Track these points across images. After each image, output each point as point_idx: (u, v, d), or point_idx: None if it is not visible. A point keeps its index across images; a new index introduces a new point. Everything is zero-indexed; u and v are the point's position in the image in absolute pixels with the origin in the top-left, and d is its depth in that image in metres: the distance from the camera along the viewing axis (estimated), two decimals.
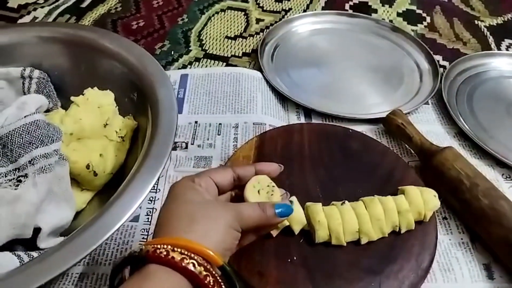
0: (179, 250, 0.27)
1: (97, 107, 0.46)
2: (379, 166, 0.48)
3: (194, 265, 0.26)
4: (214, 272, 0.27)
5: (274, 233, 0.40)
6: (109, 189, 0.46)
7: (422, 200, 0.42)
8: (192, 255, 0.27)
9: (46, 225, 0.38)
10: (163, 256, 0.26)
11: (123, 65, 0.50)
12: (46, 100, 0.47)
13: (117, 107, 0.48)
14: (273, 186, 0.37)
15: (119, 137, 0.47)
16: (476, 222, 0.45)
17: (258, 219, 0.32)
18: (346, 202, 0.41)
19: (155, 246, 0.27)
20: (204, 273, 0.27)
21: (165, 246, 0.27)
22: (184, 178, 0.34)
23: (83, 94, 0.46)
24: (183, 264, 0.26)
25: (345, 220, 0.39)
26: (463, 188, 0.45)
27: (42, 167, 0.38)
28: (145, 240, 0.44)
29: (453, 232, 0.46)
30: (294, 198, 0.41)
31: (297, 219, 0.39)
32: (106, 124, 0.46)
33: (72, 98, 0.46)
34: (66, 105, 0.50)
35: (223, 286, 0.27)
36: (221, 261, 0.28)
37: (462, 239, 0.45)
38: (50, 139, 0.39)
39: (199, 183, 0.33)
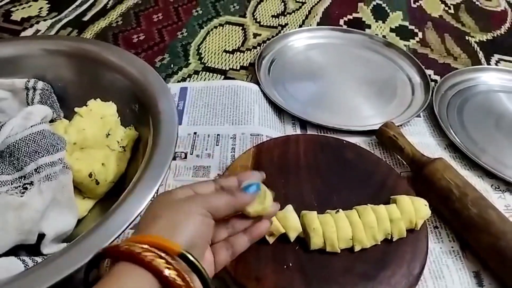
0: (141, 245, 0.26)
1: (100, 118, 0.48)
2: (372, 176, 0.49)
3: (153, 258, 0.26)
4: (176, 266, 0.26)
5: (271, 240, 0.41)
6: (110, 198, 0.48)
7: (413, 208, 0.43)
8: (153, 249, 0.26)
9: (50, 231, 0.39)
10: (122, 250, 0.26)
11: (125, 77, 0.52)
12: (51, 111, 0.48)
13: (119, 118, 0.50)
14: (264, 191, 0.36)
15: (120, 147, 0.49)
16: (465, 230, 0.46)
17: (227, 202, 0.32)
18: (340, 210, 0.42)
19: (117, 243, 0.27)
20: (164, 265, 0.26)
21: (128, 243, 0.27)
22: (164, 192, 0.33)
23: (86, 105, 0.48)
24: (141, 257, 0.26)
25: (339, 228, 0.41)
26: (453, 197, 0.47)
27: (47, 175, 0.39)
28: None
29: (443, 240, 0.48)
30: (290, 206, 0.42)
31: (293, 227, 0.41)
32: (109, 134, 0.48)
33: (76, 109, 0.47)
34: (69, 116, 0.52)
35: (186, 278, 0.26)
36: (179, 249, 0.27)
37: (452, 247, 0.47)
38: (54, 148, 0.41)
39: (177, 192, 0.33)
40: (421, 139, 0.61)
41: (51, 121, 0.50)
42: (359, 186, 0.48)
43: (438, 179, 0.49)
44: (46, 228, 0.39)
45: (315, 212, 0.42)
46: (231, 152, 0.55)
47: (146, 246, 0.27)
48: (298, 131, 0.60)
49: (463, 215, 0.46)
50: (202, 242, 0.31)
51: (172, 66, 0.71)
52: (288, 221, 0.41)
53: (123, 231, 0.37)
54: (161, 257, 0.26)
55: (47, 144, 0.40)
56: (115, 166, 0.48)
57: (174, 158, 0.53)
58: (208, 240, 0.32)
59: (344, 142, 0.54)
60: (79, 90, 0.54)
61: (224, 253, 0.34)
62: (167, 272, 0.26)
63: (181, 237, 0.28)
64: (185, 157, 0.54)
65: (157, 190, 0.47)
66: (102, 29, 0.79)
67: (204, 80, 0.69)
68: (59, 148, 0.41)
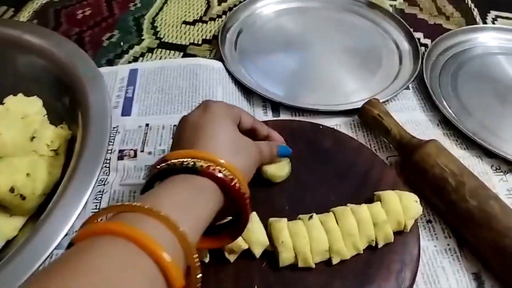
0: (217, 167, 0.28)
1: (20, 118, 0.39)
2: (353, 167, 0.42)
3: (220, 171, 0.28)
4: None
5: (232, 258, 0.34)
6: (43, 212, 0.40)
7: (402, 207, 0.36)
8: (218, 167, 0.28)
9: None
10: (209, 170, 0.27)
11: (53, 64, 0.43)
12: None
13: (45, 115, 0.41)
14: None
15: (51, 150, 0.40)
16: (463, 225, 0.40)
17: (269, 155, 0.36)
18: (314, 215, 0.35)
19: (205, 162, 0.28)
20: (230, 176, 0.28)
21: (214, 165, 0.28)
22: (221, 103, 0.34)
23: (2, 104, 0.39)
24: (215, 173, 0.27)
25: (312, 239, 0.33)
26: (448, 187, 0.40)
27: None
28: None
29: (438, 237, 0.41)
30: (254, 215, 0.35)
31: (257, 241, 0.34)
32: (33, 137, 0.39)
33: None
34: None
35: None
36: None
37: (448, 244, 0.40)
38: None
39: (233, 115, 0.34)
40: (411, 115, 0.53)
41: None
42: (337, 180, 0.41)
43: (430, 166, 0.41)
44: None
45: (285, 219, 0.35)
46: None
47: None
48: (270, 116, 0.52)
49: (460, 207, 0.39)
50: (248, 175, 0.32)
51: (122, 44, 0.61)
52: (252, 234, 0.33)
53: (50, 253, 0.31)
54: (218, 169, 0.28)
55: None
56: (46, 175, 0.40)
57: (121, 158, 0.45)
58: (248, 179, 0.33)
59: (321, 127, 0.46)
60: (2, 81, 0.45)
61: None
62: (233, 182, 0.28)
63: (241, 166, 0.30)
64: (135, 156, 0.46)
65: (99, 199, 0.40)
66: (42, 6, 0.68)
67: (160, 59, 0.59)
68: None
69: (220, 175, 0.27)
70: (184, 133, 0.31)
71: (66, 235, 0.32)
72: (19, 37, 0.44)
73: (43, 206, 0.40)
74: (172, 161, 0.28)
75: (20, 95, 0.41)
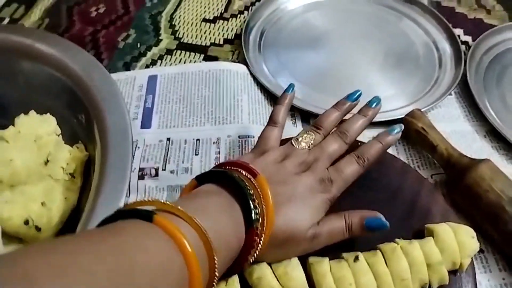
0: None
1: (33, 140, 0.36)
2: (398, 193, 0.38)
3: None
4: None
5: None
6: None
7: (457, 243, 0.32)
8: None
9: None
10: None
11: (67, 76, 0.39)
12: None
13: (60, 135, 0.38)
14: None
15: (67, 174, 0.37)
16: None
17: (341, 232, 0.32)
18: (360, 255, 0.31)
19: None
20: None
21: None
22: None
23: (13, 126, 0.36)
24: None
25: (360, 285, 0.30)
26: (505, 217, 0.36)
27: None
28: None
29: (492, 269, 0.37)
30: (293, 259, 0.31)
31: (296, 286, 0.30)
32: (47, 161, 0.36)
33: None
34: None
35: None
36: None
37: (504, 279, 0.36)
38: None
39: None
40: (454, 126, 0.48)
41: None
42: (382, 207, 0.36)
43: (484, 191, 0.37)
44: None
45: (327, 259, 0.31)
46: (215, 161, 0.43)
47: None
48: (299, 126, 0.48)
49: None
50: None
51: (139, 45, 0.57)
52: (291, 281, 0.30)
53: None
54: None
55: None
56: (62, 201, 0.36)
57: (142, 177, 0.42)
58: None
59: (359, 143, 0.41)
60: (13, 94, 0.42)
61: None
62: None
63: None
64: (156, 175, 0.42)
65: None
66: (54, 3, 0.64)
67: (180, 62, 0.55)
68: None
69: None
70: None
71: None
72: (30, 46, 0.40)
73: (63, 231, 0.37)
74: None
75: (32, 112, 0.37)
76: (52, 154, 0.36)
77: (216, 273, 0.24)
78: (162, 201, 0.25)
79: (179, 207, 0.24)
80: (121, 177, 0.32)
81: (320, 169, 0.33)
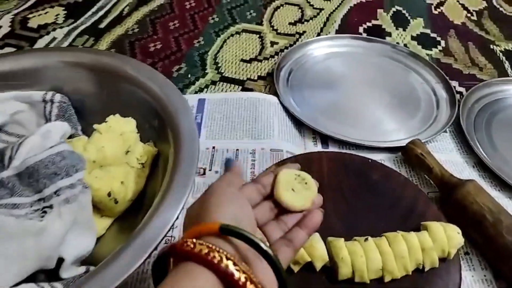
0: (206, 243, 0.26)
1: (119, 134, 0.46)
2: (400, 199, 0.47)
3: (220, 260, 0.26)
4: (242, 268, 0.26)
5: (296, 268, 0.40)
6: (127, 215, 0.46)
7: (446, 236, 0.41)
8: (218, 248, 0.26)
9: (69, 255, 0.37)
10: (190, 251, 0.26)
11: (145, 92, 0.50)
12: (69, 127, 0.47)
13: (138, 133, 0.48)
14: (299, 175, 0.37)
15: (139, 163, 0.47)
16: (499, 259, 0.44)
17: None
18: (370, 238, 0.40)
19: (183, 241, 0.27)
20: (233, 267, 0.26)
21: (192, 240, 0.27)
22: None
23: (105, 122, 0.46)
24: (210, 258, 0.26)
25: (369, 258, 0.39)
26: (486, 223, 0.45)
27: (67, 198, 0.38)
28: None
29: (475, 268, 0.45)
30: (317, 235, 0.40)
31: (319, 256, 0.39)
32: (128, 151, 0.47)
33: (95, 126, 0.46)
34: (86, 129, 0.51)
35: (251, 276, 0.26)
36: (216, 225, 0.27)
37: (485, 275, 0.45)
38: (74, 169, 0.40)
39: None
40: (448, 156, 0.58)
41: (70, 136, 0.49)
42: (386, 209, 0.46)
43: (470, 203, 0.46)
44: (66, 253, 0.37)
45: (343, 239, 0.40)
46: (251, 168, 0.53)
47: (212, 246, 0.26)
48: (319, 146, 0.58)
49: (497, 242, 0.44)
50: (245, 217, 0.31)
51: (189, 76, 0.70)
52: (315, 250, 0.39)
53: (149, 254, 0.35)
54: (227, 258, 0.26)
55: (67, 165, 0.39)
56: (134, 184, 0.46)
57: None
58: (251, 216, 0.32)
59: (370, 161, 0.52)
60: (98, 104, 0.53)
61: (285, 250, 0.32)
62: (236, 275, 0.25)
63: (220, 214, 0.29)
64: (204, 173, 0.52)
65: (182, 208, 0.45)
66: (118, 37, 0.77)
67: (222, 91, 0.67)
68: (79, 169, 0.40)
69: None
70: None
71: (161, 240, 0.37)
72: (118, 67, 0.52)
73: (127, 210, 0.47)
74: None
75: (118, 115, 0.48)
76: (131, 147, 0.47)
77: None
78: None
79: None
80: (190, 166, 0.42)
81: None
